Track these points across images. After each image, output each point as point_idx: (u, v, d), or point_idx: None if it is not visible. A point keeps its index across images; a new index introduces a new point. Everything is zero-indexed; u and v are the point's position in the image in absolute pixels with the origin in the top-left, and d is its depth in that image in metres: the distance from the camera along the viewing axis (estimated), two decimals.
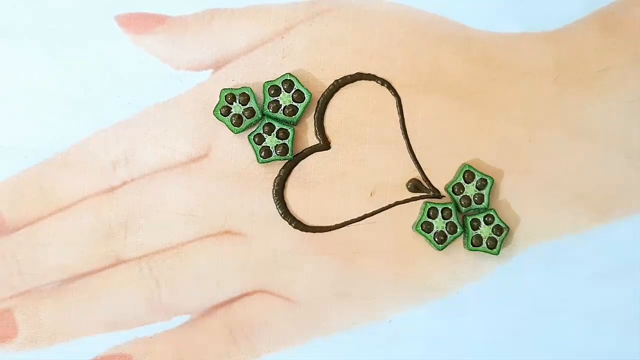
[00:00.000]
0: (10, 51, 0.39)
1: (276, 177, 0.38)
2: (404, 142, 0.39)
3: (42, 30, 0.39)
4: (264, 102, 0.38)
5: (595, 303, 0.39)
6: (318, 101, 0.39)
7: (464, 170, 0.38)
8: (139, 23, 0.39)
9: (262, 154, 0.38)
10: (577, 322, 0.39)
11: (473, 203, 0.38)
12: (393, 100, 0.39)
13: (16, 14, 0.39)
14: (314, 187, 0.39)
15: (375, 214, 0.39)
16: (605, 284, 0.39)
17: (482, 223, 0.38)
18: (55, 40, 0.39)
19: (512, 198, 0.39)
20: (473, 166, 0.38)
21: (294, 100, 0.38)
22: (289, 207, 0.39)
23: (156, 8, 0.39)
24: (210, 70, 0.39)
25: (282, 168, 0.38)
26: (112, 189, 0.38)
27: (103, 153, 0.38)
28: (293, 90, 0.38)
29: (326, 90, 0.39)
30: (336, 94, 0.39)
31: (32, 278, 0.38)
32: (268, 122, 0.38)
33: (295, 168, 0.39)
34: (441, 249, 0.38)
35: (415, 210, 0.39)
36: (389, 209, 0.39)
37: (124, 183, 0.38)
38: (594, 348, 0.39)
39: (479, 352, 0.38)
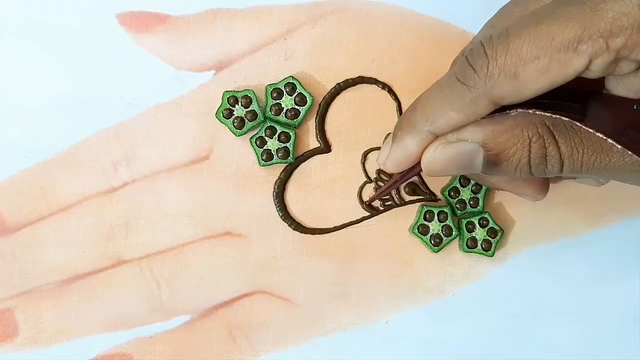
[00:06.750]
0: (10, 50, 0.38)
1: (277, 180, 0.38)
2: None
3: (42, 29, 0.38)
4: (266, 105, 0.38)
5: (590, 305, 0.39)
6: (319, 104, 0.39)
7: (459, 175, 0.39)
8: (140, 22, 0.38)
9: (264, 157, 0.38)
10: (572, 324, 0.39)
11: (468, 206, 0.39)
12: (394, 104, 0.39)
13: (16, 13, 0.38)
14: (314, 189, 0.39)
15: (373, 216, 0.39)
16: (599, 285, 0.39)
17: (477, 226, 0.39)
18: (56, 39, 0.38)
19: (507, 201, 0.39)
20: None
21: (296, 104, 0.38)
22: (289, 209, 0.39)
23: (158, 7, 0.38)
24: (212, 72, 0.39)
25: (282, 171, 0.38)
26: (113, 190, 0.38)
27: (104, 153, 0.38)
28: (295, 94, 0.38)
29: (327, 93, 0.39)
30: (337, 97, 0.39)
31: (32, 278, 0.38)
32: (270, 125, 0.38)
33: (296, 170, 0.39)
34: (437, 251, 0.38)
35: (412, 213, 0.39)
36: (386, 212, 0.39)
37: (125, 184, 0.38)
38: (590, 350, 0.39)
39: (476, 353, 0.39)
